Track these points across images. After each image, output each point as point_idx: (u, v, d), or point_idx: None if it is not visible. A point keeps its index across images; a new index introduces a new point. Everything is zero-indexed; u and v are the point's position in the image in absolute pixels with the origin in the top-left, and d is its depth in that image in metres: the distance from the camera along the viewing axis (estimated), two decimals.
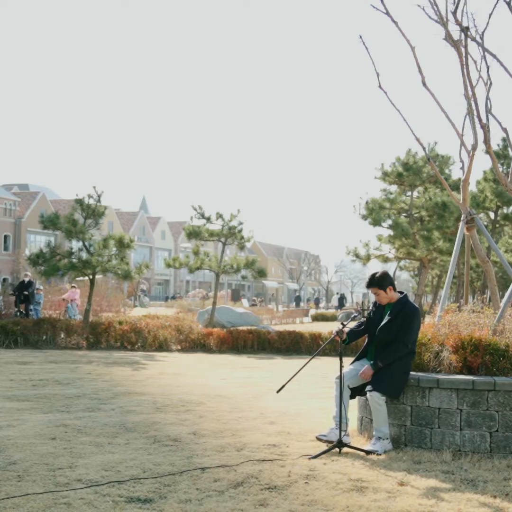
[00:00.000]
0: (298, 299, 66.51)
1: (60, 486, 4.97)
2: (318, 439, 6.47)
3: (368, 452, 6.08)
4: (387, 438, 6.25)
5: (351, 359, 6.89)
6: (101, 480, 5.14)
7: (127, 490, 4.92)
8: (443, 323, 6.99)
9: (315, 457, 5.92)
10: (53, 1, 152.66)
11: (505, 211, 27.27)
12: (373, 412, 6.32)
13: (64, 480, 5.12)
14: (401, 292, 6.65)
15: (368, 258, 25.54)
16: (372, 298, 6.82)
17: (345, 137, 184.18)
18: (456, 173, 27.61)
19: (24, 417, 7.58)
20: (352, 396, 6.61)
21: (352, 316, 7.14)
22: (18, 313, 22.07)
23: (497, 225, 28.30)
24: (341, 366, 6.30)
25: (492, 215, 27.56)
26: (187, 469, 5.49)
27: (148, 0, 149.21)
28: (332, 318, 40.53)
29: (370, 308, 6.79)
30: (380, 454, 6.04)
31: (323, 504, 4.67)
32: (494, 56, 7.64)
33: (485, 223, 27.49)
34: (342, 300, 55.53)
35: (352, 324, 6.89)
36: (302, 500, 4.75)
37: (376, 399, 6.27)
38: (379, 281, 6.47)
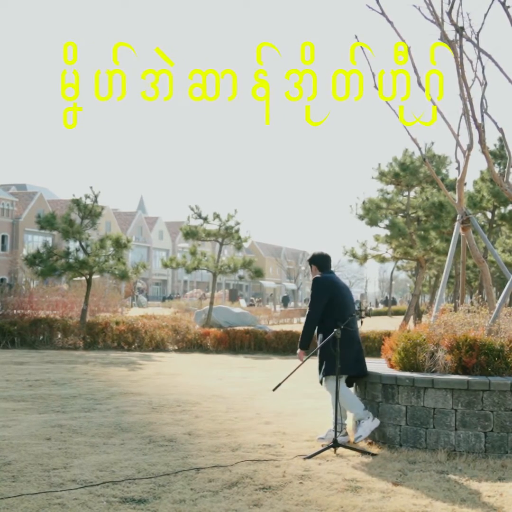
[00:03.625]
0: (285, 300, 66.17)
1: (55, 487, 4.97)
2: (320, 439, 6.57)
3: (363, 452, 6.10)
4: (368, 417, 6.33)
5: None
6: (95, 480, 5.14)
7: (122, 490, 4.92)
8: (439, 323, 7.00)
9: (310, 457, 5.93)
10: (53, 1, 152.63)
11: (502, 211, 27.23)
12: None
13: (59, 481, 5.11)
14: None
15: (365, 258, 25.54)
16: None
17: (343, 137, 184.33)
18: (453, 173, 27.52)
19: (20, 418, 7.57)
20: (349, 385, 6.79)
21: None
22: None
23: (494, 225, 28.27)
24: (338, 367, 6.30)
25: (489, 215, 27.55)
26: (181, 469, 5.49)
27: (148, 0, 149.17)
28: None
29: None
30: (367, 436, 6.27)
31: (317, 504, 4.67)
32: (489, 56, 7.64)
33: (482, 223, 27.49)
34: None
35: None
36: (297, 500, 4.76)
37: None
38: (312, 258, 6.92)
